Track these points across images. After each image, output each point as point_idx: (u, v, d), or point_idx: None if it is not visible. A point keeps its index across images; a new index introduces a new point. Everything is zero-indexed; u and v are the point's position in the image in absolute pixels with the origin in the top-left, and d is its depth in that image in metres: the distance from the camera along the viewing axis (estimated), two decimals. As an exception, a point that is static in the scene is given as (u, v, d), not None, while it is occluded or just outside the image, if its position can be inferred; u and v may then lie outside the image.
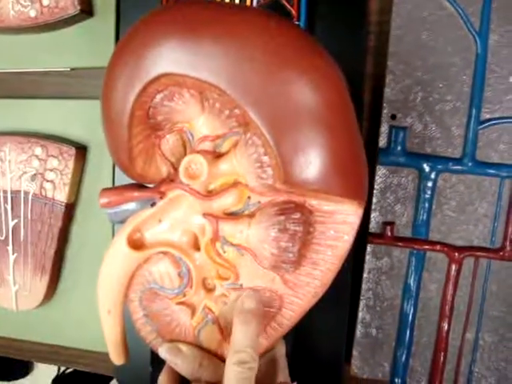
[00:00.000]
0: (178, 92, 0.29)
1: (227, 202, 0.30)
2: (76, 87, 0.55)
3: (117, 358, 0.34)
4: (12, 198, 0.53)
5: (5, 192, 0.54)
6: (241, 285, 0.31)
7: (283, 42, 0.27)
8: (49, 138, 0.53)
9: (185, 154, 0.31)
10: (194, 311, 0.33)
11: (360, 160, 0.29)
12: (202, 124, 0.30)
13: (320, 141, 0.27)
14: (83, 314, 0.54)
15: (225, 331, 0.33)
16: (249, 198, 0.31)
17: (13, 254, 0.54)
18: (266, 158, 0.29)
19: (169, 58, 0.27)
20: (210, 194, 0.30)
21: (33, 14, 0.51)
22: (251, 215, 0.30)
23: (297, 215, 0.29)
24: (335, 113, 0.28)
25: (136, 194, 0.31)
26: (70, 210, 0.53)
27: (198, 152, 0.30)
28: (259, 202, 0.30)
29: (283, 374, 0.34)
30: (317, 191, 0.28)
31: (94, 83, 0.54)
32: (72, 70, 0.54)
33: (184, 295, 0.33)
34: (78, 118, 0.54)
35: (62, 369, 1.12)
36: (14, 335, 0.57)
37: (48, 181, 0.53)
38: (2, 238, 0.54)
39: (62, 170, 0.52)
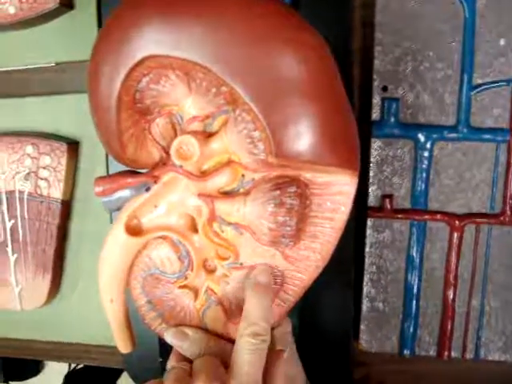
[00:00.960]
0: (164, 74, 0.30)
1: (221, 181, 0.31)
2: (62, 82, 0.54)
3: (123, 346, 0.34)
4: (7, 198, 0.54)
5: (-1, 193, 0.54)
6: (241, 263, 0.32)
7: (264, 16, 0.27)
8: (39, 136, 0.53)
9: (175, 137, 0.31)
10: (196, 294, 0.33)
11: (350, 129, 0.29)
12: (191, 105, 0.30)
13: (309, 111, 0.28)
14: (88, 309, 0.55)
15: (229, 311, 0.33)
16: (243, 175, 0.31)
17: (13, 254, 0.54)
18: (256, 133, 0.29)
19: (151, 39, 0.28)
20: (203, 175, 0.31)
21: (12, 10, 0.51)
22: (246, 193, 0.31)
23: (292, 189, 0.30)
24: (322, 83, 0.28)
25: (130, 180, 0.32)
26: (66, 206, 0.53)
27: (189, 133, 0.30)
28: (253, 179, 0.31)
29: (290, 350, 0.34)
30: (309, 163, 0.29)
31: (80, 76, 0.54)
32: (57, 64, 0.54)
33: (185, 278, 0.33)
34: (67, 113, 0.54)
35: (73, 365, 1.12)
36: (23, 336, 0.58)
37: (42, 179, 0.53)
38: (1, 240, 0.54)
39: (56, 166, 0.52)
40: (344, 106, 0.29)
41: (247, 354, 0.29)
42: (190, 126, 0.31)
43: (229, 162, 0.31)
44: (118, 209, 0.32)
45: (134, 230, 0.32)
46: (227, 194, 0.31)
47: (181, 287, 0.33)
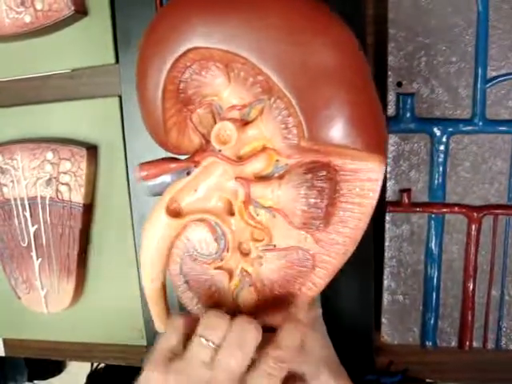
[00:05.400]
0: (205, 66, 0.33)
1: (257, 166, 0.34)
2: (79, 88, 0.56)
3: (161, 326, 0.37)
4: (29, 204, 0.56)
5: (22, 199, 0.56)
6: (274, 245, 0.35)
7: (297, 9, 0.31)
8: (59, 142, 0.55)
9: (215, 125, 0.34)
10: (231, 275, 0.36)
11: (379, 116, 0.32)
12: (229, 95, 0.34)
13: (339, 96, 0.30)
14: (112, 310, 0.56)
15: (261, 292, 0.36)
16: (277, 161, 0.34)
17: (37, 259, 0.56)
18: (290, 119, 0.32)
19: (195, 33, 0.31)
20: (240, 160, 0.34)
21: (28, 19, 0.53)
22: (281, 177, 0.34)
23: (323, 173, 0.32)
24: (352, 70, 0.31)
25: (172, 165, 0.35)
26: (88, 210, 0.55)
27: (228, 119, 0.33)
28: (287, 165, 0.34)
29: (321, 333, 0.36)
30: (339, 147, 0.31)
31: (97, 82, 0.56)
32: (73, 71, 0.55)
33: (221, 259, 0.36)
34: (85, 118, 0.56)
35: (95, 364, 1.15)
36: (50, 337, 0.61)
37: (63, 184, 0.54)
38: (25, 245, 0.56)
39: (76, 171, 0.54)
40: (372, 93, 0.32)
41: (265, 378, 0.30)
42: (228, 114, 0.34)
43: (264, 148, 0.34)
44: (160, 193, 0.35)
45: (174, 213, 0.35)
46: (262, 179, 0.34)
47: (216, 268, 0.36)
